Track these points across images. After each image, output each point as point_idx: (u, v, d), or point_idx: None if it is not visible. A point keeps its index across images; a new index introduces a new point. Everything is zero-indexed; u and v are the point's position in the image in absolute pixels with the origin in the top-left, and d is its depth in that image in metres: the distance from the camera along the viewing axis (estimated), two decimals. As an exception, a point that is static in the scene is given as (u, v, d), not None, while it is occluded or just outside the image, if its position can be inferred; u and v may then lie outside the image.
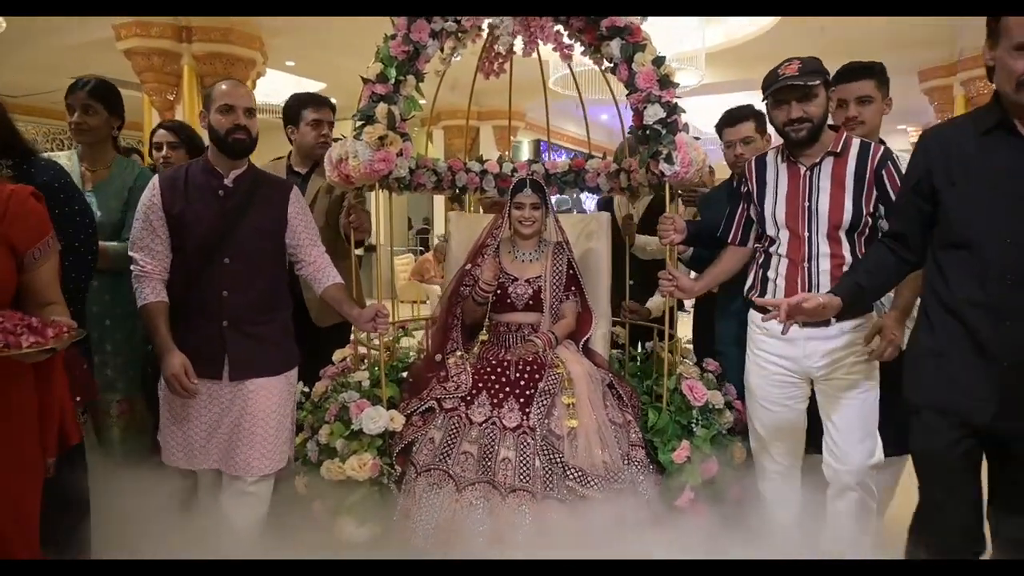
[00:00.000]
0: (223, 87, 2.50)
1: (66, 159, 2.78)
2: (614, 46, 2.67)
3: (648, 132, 2.63)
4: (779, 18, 7.98)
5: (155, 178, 2.52)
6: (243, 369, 2.48)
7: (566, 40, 3.01)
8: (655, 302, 3.58)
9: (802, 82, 2.35)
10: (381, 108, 2.56)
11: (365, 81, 2.62)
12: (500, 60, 3.24)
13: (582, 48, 2.99)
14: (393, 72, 2.58)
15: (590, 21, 2.72)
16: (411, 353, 3.38)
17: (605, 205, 3.84)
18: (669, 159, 2.60)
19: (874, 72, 2.78)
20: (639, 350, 3.41)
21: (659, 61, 2.63)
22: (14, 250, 1.76)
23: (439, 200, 14.18)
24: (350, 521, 2.52)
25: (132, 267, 2.45)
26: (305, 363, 3.30)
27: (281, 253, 2.62)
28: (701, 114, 6.41)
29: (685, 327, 3.66)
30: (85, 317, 2.34)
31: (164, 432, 2.52)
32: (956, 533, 2.04)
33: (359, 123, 2.61)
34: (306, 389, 3.08)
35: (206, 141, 2.61)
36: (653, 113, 2.61)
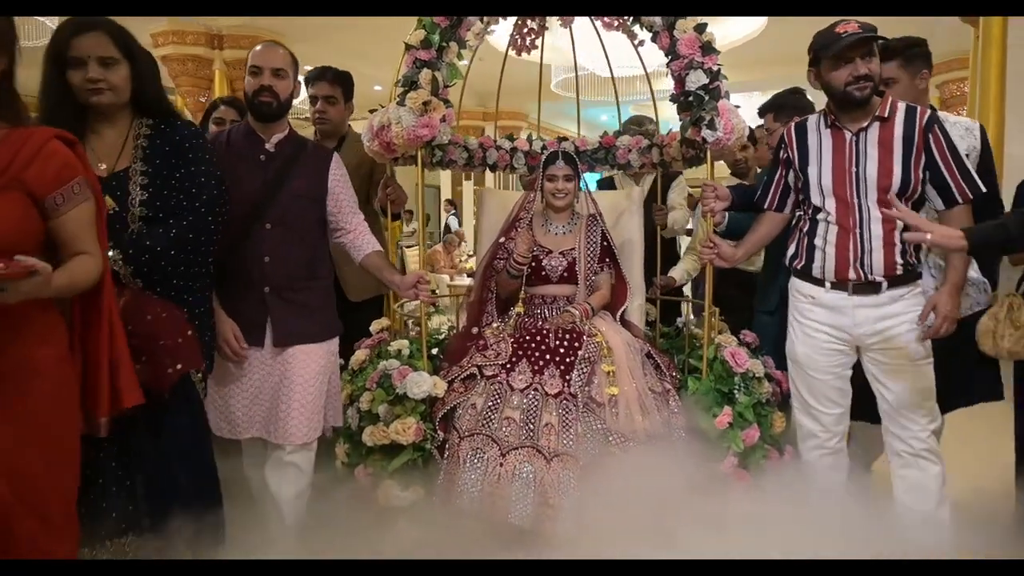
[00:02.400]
0: (255, 49, 2.31)
1: None
2: (655, 14, 2.41)
3: (691, 98, 2.37)
4: (768, 23, 7.73)
5: None
6: (286, 336, 2.30)
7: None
8: (679, 271, 3.35)
9: (872, 34, 2.14)
10: (425, 74, 2.34)
11: (408, 47, 2.38)
12: (532, 36, 2.99)
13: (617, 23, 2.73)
14: (436, 38, 2.34)
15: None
16: (442, 329, 3.12)
17: (607, 185, 3.59)
18: (712, 125, 2.39)
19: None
20: (669, 327, 3.15)
21: (700, 28, 2.40)
22: (33, 195, 1.55)
23: (445, 191, 13.94)
24: (394, 485, 2.29)
25: None
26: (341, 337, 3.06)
27: (322, 220, 2.42)
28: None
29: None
30: (207, 279, 2.12)
31: (208, 402, 2.29)
32: None
33: (402, 89, 2.34)
34: (341, 362, 2.82)
35: None
36: (696, 79, 2.38)
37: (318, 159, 2.39)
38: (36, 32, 6.52)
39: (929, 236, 1.94)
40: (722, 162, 3.15)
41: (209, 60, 8.38)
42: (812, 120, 2.37)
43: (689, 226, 3.78)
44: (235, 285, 2.27)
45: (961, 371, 2.49)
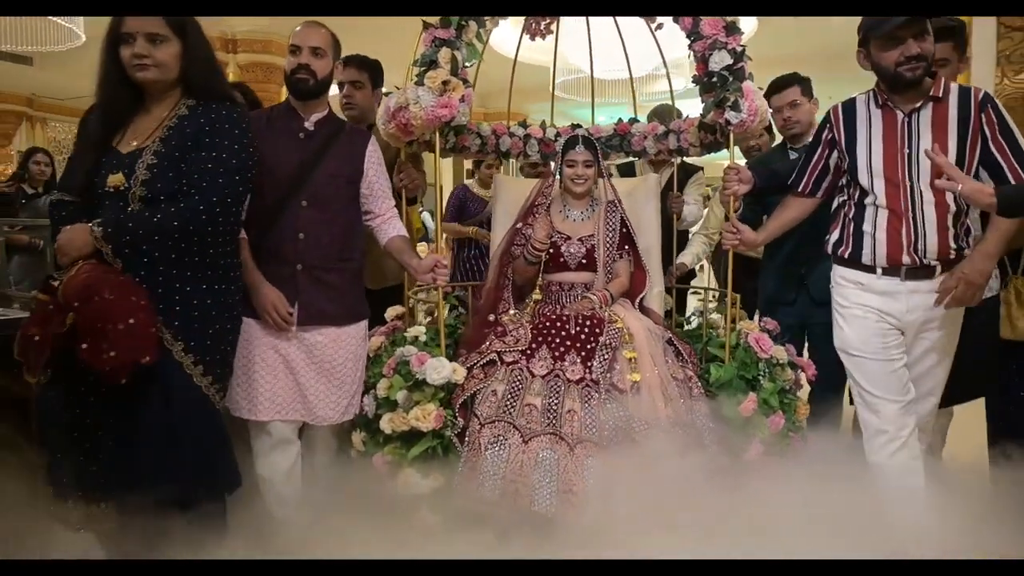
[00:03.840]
0: (296, 28, 2.24)
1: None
2: (677, -7, 2.27)
3: (714, 79, 2.22)
4: (758, 27, 7.57)
5: None
6: (314, 315, 2.23)
7: None
8: (689, 256, 3.22)
9: (924, 14, 2.02)
10: (444, 53, 2.21)
11: (426, 26, 2.23)
12: (547, 21, 2.85)
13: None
14: (456, 16, 2.17)
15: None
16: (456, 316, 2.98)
17: (627, 172, 3.45)
18: (736, 106, 2.24)
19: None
20: (683, 316, 3.00)
21: (724, 8, 2.22)
22: None
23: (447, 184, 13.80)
24: (413, 473, 2.15)
25: None
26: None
27: (356, 202, 2.35)
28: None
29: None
30: (214, 271, 1.95)
31: (231, 383, 2.19)
32: None
33: (421, 69, 2.20)
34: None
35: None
36: (719, 60, 2.26)
37: (355, 140, 2.32)
38: (63, 36, 6.32)
39: (961, 187, 1.88)
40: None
41: (223, 63, 8.34)
42: (860, 99, 2.23)
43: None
44: (267, 261, 2.19)
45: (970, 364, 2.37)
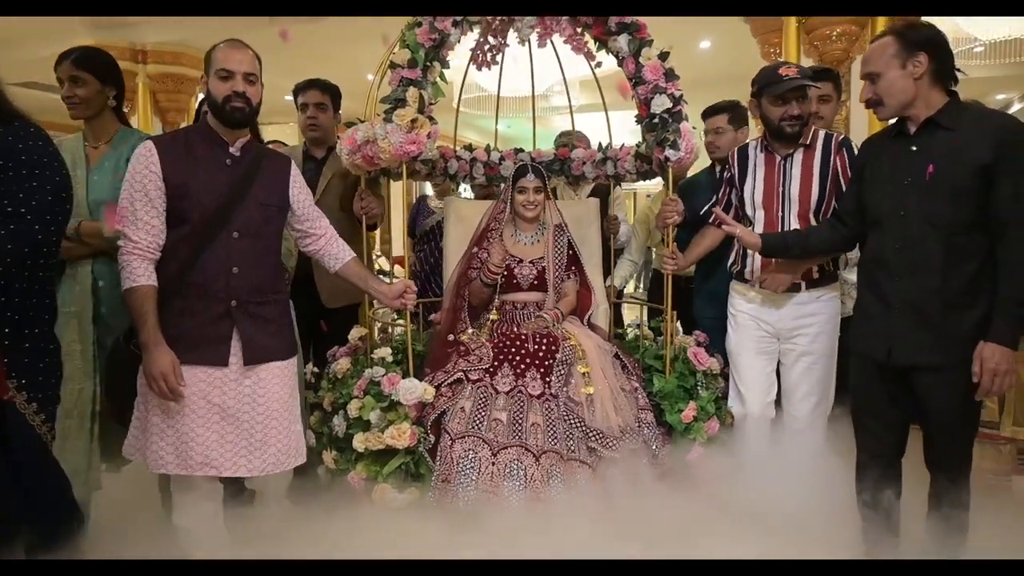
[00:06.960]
0: (222, 49, 2.00)
1: (73, 140, 2.36)
2: (622, 41, 2.50)
3: (656, 121, 2.39)
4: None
5: (148, 143, 1.97)
6: (258, 352, 1.99)
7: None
8: (619, 279, 3.38)
9: (811, 83, 2.35)
10: (412, 92, 2.28)
11: (393, 66, 2.28)
12: (493, 52, 2.94)
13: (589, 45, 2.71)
14: (422, 56, 2.24)
15: (599, 18, 2.45)
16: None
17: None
18: (675, 145, 2.41)
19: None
20: (623, 328, 3.16)
21: (664, 56, 2.42)
22: None
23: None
24: (389, 488, 2.20)
25: (121, 243, 1.91)
26: (317, 344, 2.92)
27: (281, 230, 2.15)
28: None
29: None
30: (27, 299, 1.74)
31: (152, 433, 1.93)
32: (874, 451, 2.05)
33: (389, 106, 2.24)
34: (316, 370, 2.69)
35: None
36: (660, 103, 2.42)
37: (278, 166, 2.12)
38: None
39: (737, 231, 2.36)
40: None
41: (133, 74, 7.99)
42: (752, 145, 2.56)
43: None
44: (195, 298, 1.94)
45: None
